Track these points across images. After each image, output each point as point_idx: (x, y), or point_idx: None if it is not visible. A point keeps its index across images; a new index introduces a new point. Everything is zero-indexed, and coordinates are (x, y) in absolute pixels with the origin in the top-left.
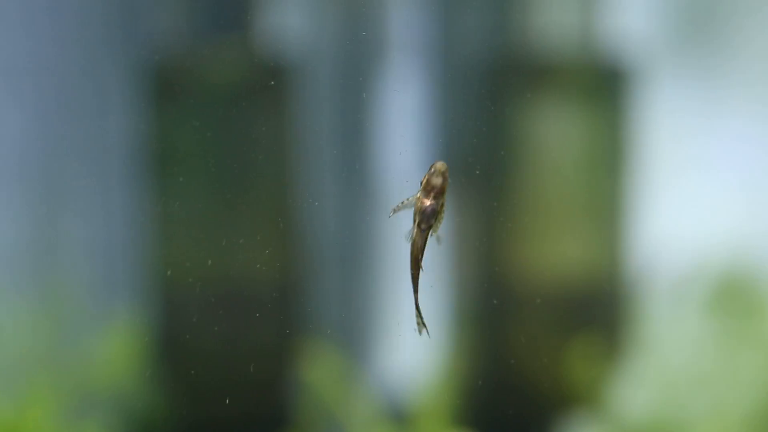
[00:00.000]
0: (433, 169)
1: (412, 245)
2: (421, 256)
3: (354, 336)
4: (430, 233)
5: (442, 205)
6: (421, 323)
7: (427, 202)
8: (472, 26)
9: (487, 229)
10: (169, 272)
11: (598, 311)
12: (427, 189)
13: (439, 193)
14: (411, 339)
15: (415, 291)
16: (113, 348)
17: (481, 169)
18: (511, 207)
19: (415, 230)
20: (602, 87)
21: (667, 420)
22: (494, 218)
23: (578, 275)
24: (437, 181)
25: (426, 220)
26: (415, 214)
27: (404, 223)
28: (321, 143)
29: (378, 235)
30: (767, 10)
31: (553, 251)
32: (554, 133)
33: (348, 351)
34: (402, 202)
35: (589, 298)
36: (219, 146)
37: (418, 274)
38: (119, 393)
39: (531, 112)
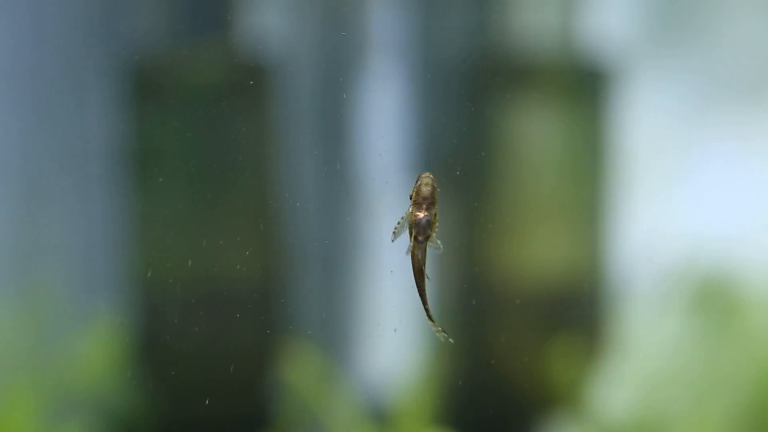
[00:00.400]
0: (419, 181)
1: (413, 259)
2: (424, 268)
3: (335, 336)
4: (428, 244)
5: (435, 214)
6: (441, 330)
7: (420, 214)
8: (452, 27)
9: (467, 229)
10: (149, 273)
11: (578, 312)
12: (418, 201)
13: (430, 204)
14: (391, 340)
15: (425, 302)
16: (93, 349)
17: (461, 169)
18: (491, 207)
19: (413, 244)
20: (582, 87)
21: (648, 420)
22: (474, 219)
23: (558, 276)
24: (426, 191)
25: (422, 232)
26: (410, 228)
27: (388, 224)
28: (301, 144)
29: (359, 235)
30: (745, 9)
31: (533, 252)
32: (534, 133)
33: (329, 351)
34: (398, 223)
35: (570, 298)
36: (199, 147)
37: (424, 285)
38: (100, 394)
39: (511, 113)
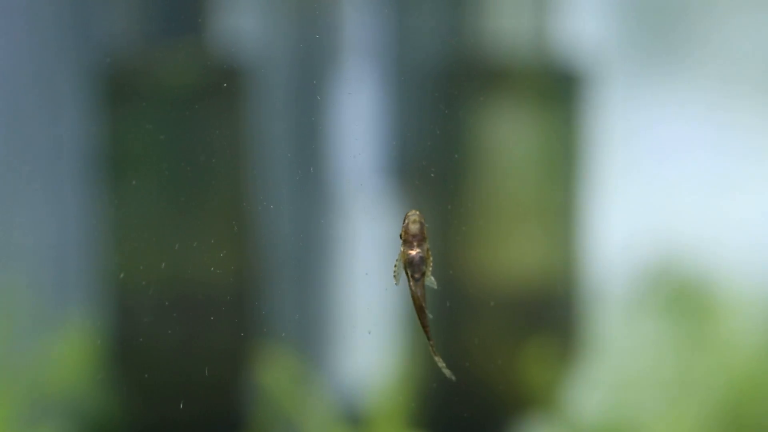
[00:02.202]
0: (407, 219)
1: (413, 297)
2: (425, 304)
3: (309, 339)
4: (425, 280)
5: (428, 250)
6: (445, 366)
7: (413, 252)
8: (426, 29)
9: (441, 232)
10: (121, 275)
11: (552, 314)
12: (408, 240)
13: (421, 240)
14: (366, 342)
15: (429, 338)
16: (66, 352)
17: (435, 172)
18: (465, 210)
19: (411, 282)
20: (555, 90)
21: (622, 422)
22: (448, 221)
23: (532, 278)
24: (415, 228)
25: (418, 270)
26: (405, 268)
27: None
28: (275, 146)
29: (333, 237)
30: (719, 12)
31: (507, 254)
32: (508, 136)
33: (303, 354)
34: (395, 265)
35: (544, 300)
36: (172, 149)
37: (427, 321)
38: (73, 397)
39: (485, 116)
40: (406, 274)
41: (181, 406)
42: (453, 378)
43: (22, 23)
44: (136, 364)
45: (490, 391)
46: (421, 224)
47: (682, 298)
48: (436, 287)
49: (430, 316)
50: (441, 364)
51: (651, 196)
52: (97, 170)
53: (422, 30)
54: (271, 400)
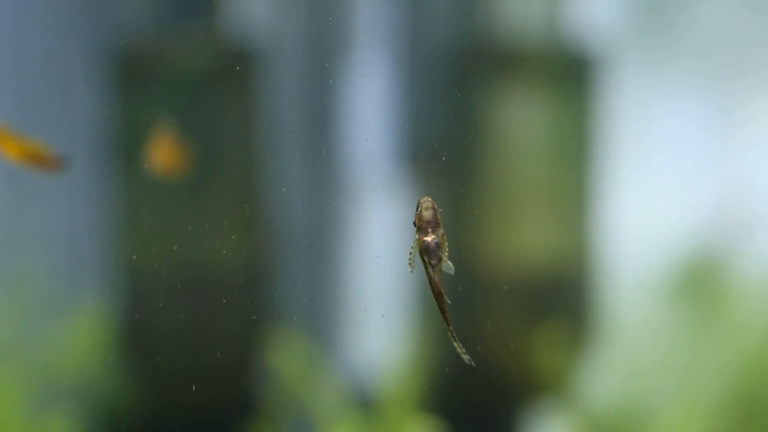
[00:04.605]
0: (420, 207)
1: (431, 284)
2: (443, 290)
3: (321, 322)
4: (442, 265)
5: (443, 235)
6: (464, 352)
7: (428, 239)
8: (439, 13)
9: (453, 216)
10: (134, 258)
11: (564, 298)
12: (422, 226)
13: (435, 226)
14: (377, 326)
15: (449, 324)
16: (78, 335)
17: (447, 155)
18: (478, 194)
19: (428, 269)
20: (568, 75)
21: (633, 406)
22: (461, 205)
23: (545, 262)
24: (428, 215)
25: (434, 256)
26: (421, 254)
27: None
28: (287, 129)
29: (345, 220)
30: None
31: (519, 238)
32: (520, 120)
33: (315, 337)
34: (410, 252)
35: (556, 285)
36: (185, 132)
37: (446, 307)
38: (85, 380)
39: (497, 100)
40: (422, 260)
41: (193, 388)
42: (473, 364)
43: (37, 7)
44: (148, 347)
45: (503, 376)
46: (435, 210)
47: (694, 282)
48: (453, 272)
49: (449, 301)
50: (460, 349)
51: (662, 181)
52: (109, 153)
53: (436, 14)
54: (282, 384)
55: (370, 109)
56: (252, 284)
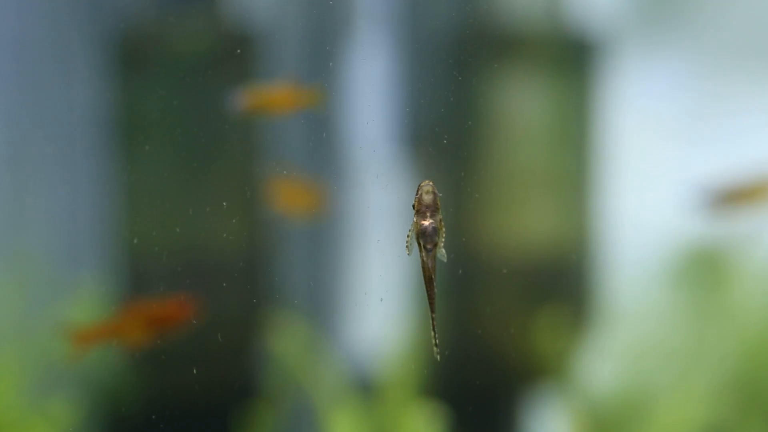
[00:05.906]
0: (420, 190)
1: (423, 268)
2: (434, 276)
3: (321, 306)
4: (436, 251)
5: (440, 221)
6: (435, 344)
7: (426, 222)
8: None
9: (454, 199)
10: (135, 241)
11: (565, 282)
12: (421, 210)
13: (434, 211)
14: (377, 309)
15: (432, 311)
16: (79, 318)
17: (448, 139)
18: (478, 177)
19: (423, 253)
20: (569, 59)
21: (634, 391)
22: (461, 188)
23: (545, 246)
24: (428, 199)
25: (430, 240)
26: (417, 238)
27: (374, 193)
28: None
29: (345, 204)
30: None
31: (520, 222)
32: (521, 104)
33: (315, 321)
34: (408, 235)
35: (556, 269)
36: (185, 115)
37: (434, 294)
38: (85, 364)
39: (498, 83)
40: (419, 244)
41: (194, 372)
42: (438, 358)
43: None
44: None
45: (502, 359)
46: (435, 195)
47: (694, 267)
48: (446, 260)
49: (436, 290)
50: (434, 340)
51: (663, 165)
52: (110, 136)
53: None
54: (282, 368)
55: (371, 92)
56: (252, 267)
